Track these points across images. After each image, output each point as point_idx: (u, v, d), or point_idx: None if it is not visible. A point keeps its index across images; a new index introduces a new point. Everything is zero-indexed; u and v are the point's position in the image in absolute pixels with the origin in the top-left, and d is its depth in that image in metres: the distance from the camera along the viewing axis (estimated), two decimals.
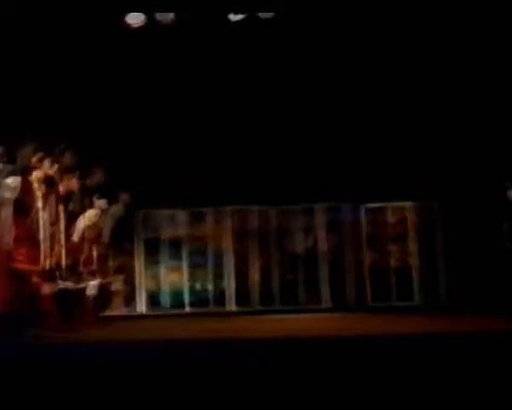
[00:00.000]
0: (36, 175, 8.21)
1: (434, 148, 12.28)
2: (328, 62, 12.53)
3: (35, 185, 8.19)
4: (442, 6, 11.81)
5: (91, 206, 9.82)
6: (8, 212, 7.43)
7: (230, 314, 12.22)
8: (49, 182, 8.39)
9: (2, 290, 7.04)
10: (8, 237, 7.45)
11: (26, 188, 7.95)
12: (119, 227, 10.17)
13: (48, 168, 8.35)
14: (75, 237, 9.49)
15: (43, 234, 8.41)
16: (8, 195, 7.54)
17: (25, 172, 8.08)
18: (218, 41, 12.38)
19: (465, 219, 12.03)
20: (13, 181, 7.51)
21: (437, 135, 12.28)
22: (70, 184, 9.10)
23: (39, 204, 8.21)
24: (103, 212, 10.00)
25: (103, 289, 10.12)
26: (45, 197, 8.29)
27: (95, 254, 9.90)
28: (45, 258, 8.43)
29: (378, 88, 12.45)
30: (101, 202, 9.88)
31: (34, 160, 8.27)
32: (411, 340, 6.78)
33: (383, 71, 12.46)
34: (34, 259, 8.26)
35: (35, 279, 8.52)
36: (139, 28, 12.34)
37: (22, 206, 7.77)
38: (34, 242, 8.23)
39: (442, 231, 12.61)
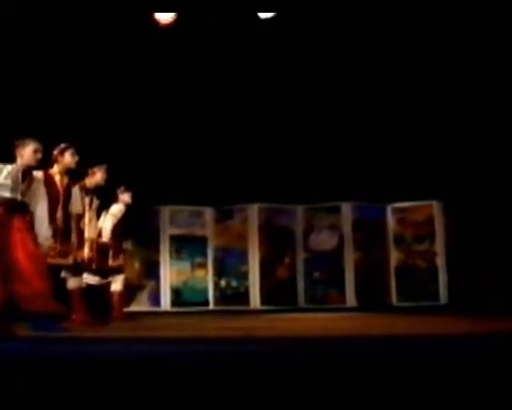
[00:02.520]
0: (57, 168, 8.20)
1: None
2: (339, 63, 12.47)
3: (57, 178, 8.17)
4: (440, 8, 11.71)
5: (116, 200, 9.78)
6: (43, 207, 7.42)
7: (255, 312, 12.20)
8: (71, 174, 8.38)
9: (43, 287, 7.04)
10: (47, 233, 7.45)
11: (49, 181, 7.94)
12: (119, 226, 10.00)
13: (69, 161, 8.30)
14: (106, 234, 9.52)
15: (72, 228, 8.43)
16: (41, 189, 7.55)
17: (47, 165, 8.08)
18: (219, 41, 12.30)
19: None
20: (36, 174, 7.50)
21: (448, 136, 12.23)
22: (96, 177, 9.06)
23: (61, 197, 8.19)
24: (127, 206, 9.89)
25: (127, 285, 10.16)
26: (66, 190, 8.26)
27: (120, 249, 9.89)
28: (73, 252, 8.45)
29: (397, 86, 12.39)
30: (125, 196, 9.80)
31: (56, 152, 8.25)
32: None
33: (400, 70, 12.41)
34: (64, 253, 8.29)
35: (64, 274, 8.58)
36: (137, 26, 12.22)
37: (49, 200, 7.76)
38: (63, 236, 8.25)
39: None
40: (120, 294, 9.65)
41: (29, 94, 11.29)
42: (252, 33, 12.18)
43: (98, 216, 9.39)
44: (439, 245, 12.75)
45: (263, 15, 12.11)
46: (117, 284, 9.58)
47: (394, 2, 11.50)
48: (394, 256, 12.89)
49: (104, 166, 9.13)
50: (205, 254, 13.26)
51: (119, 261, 9.70)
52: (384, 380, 4.35)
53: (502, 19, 11.22)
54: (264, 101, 12.67)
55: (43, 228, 7.33)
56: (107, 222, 9.57)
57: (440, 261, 12.67)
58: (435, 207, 12.87)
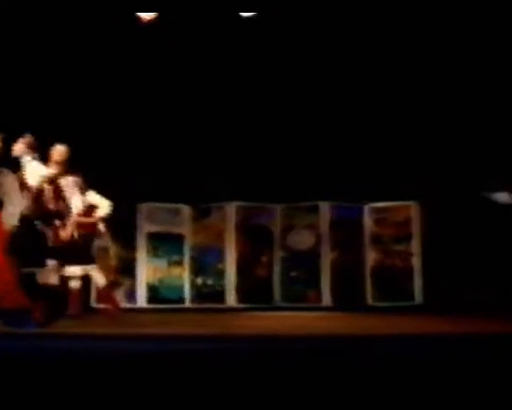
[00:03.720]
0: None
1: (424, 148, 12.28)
2: (327, 65, 12.49)
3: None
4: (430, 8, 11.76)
5: None
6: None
7: (231, 311, 12.20)
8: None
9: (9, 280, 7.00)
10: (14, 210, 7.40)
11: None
12: None
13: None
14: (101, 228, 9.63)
15: None
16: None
17: None
18: (197, 38, 12.28)
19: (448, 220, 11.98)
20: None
21: (426, 137, 12.28)
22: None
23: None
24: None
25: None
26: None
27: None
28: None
29: (379, 90, 12.42)
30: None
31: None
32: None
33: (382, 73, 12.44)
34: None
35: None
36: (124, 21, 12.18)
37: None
38: None
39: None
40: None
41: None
42: (233, 30, 12.18)
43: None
44: (416, 246, 12.79)
45: (245, 14, 12.10)
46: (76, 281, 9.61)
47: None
48: (371, 256, 12.91)
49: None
50: (182, 252, 13.22)
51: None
52: (358, 378, 4.37)
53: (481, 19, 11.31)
54: (242, 99, 12.66)
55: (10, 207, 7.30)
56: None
57: (417, 262, 12.72)
58: (413, 207, 12.90)
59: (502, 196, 10.40)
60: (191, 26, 12.02)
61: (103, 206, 9.68)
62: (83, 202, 9.44)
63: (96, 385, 4.00)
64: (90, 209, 9.57)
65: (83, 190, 9.48)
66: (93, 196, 9.65)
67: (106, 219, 9.82)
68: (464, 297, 11.32)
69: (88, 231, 9.52)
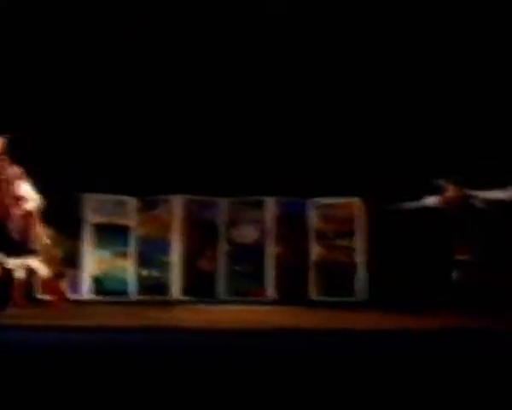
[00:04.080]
0: None
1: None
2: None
3: None
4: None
5: None
6: None
7: (175, 303, 12.22)
8: None
9: None
10: None
11: None
12: None
13: None
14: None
15: None
16: None
17: None
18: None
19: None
20: None
21: (370, 136, 12.43)
22: None
23: None
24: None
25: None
26: None
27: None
28: None
29: (325, 85, 12.53)
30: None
31: None
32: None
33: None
34: None
35: None
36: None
37: None
38: None
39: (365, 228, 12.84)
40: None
41: None
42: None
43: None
44: (360, 242, 12.95)
45: None
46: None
47: None
48: (315, 251, 13.04)
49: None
50: (127, 244, 13.18)
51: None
52: (299, 372, 4.45)
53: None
54: (187, 90, 12.67)
55: None
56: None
57: (360, 258, 12.88)
58: (357, 204, 13.05)
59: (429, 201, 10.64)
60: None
61: (32, 198, 9.58)
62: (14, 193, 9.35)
63: (37, 377, 4.03)
64: (19, 201, 9.45)
65: (21, 182, 9.39)
66: (24, 188, 9.53)
67: (39, 212, 9.73)
68: (407, 293, 11.48)
69: (20, 223, 9.41)
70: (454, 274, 10.07)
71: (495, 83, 11.84)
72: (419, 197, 10.66)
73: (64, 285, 10.20)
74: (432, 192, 10.44)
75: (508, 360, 5.10)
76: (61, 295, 9.85)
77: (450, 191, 10.27)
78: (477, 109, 11.93)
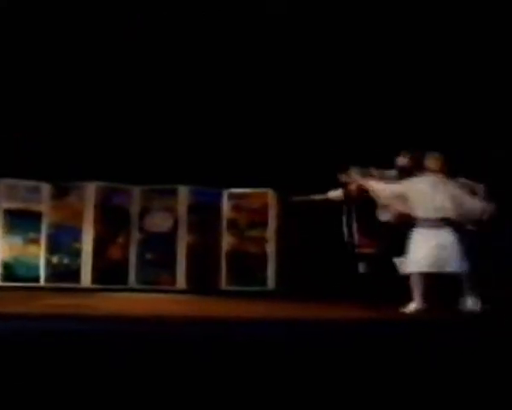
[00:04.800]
0: None
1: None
2: None
3: None
4: None
5: None
6: None
7: (85, 290, 12.20)
8: None
9: None
10: None
11: None
12: None
13: None
14: None
15: None
16: None
17: None
18: None
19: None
20: None
21: (284, 128, 12.59)
22: None
23: None
24: None
25: None
26: None
27: None
28: None
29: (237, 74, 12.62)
30: None
31: None
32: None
33: None
34: None
35: None
36: None
37: None
38: None
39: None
40: None
41: None
42: None
43: None
44: (271, 232, 13.10)
45: None
46: None
47: None
48: (226, 241, 13.14)
49: None
50: (39, 230, 13.07)
51: None
52: (204, 362, 4.53)
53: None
54: (105, 77, 12.65)
55: None
56: None
57: (271, 248, 13.04)
58: (270, 195, 13.18)
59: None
60: None
61: None
62: None
63: None
64: None
65: None
66: None
67: None
68: (316, 283, 11.67)
69: None
70: (361, 266, 10.29)
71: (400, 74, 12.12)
72: (325, 190, 10.84)
73: None
74: (337, 186, 10.64)
75: (400, 350, 5.26)
76: None
77: (353, 185, 10.47)
78: (383, 101, 12.21)
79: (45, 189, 13.18)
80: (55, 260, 12.97)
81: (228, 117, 12.78)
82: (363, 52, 12.28)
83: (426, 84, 12.12)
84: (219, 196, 13.27)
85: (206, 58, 12.64)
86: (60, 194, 13.17)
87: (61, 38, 12.36)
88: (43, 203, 13.14)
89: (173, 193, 13.15)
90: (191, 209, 13.12)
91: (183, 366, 4.41)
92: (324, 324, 7.23)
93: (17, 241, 12.93)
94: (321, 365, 4.47)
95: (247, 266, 12.92)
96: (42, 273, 12.88)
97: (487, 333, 6.43)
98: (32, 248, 12.98)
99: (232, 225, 13.18)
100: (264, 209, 13.17)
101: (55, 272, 12.92)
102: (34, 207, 13.10)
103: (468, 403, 3.85)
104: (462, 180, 9.44)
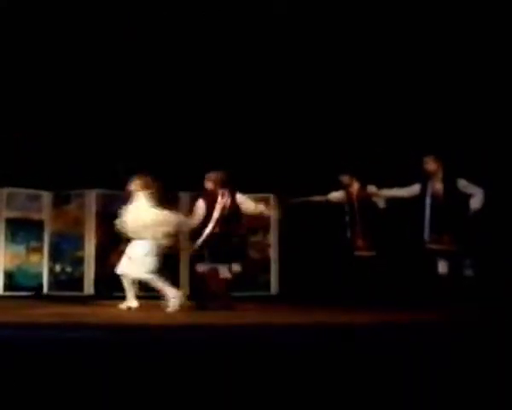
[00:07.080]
0: None
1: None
2: None
3: None
4: None
5: None
6: None
7: (88, 298, 12.19)
8: None
9: None
10: None
11: None
12: None
13: None
14: None
15: None
16: None
17: None
18: None
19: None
20: None
21: (284, 133, 12.61)
22: None
23: None
24: None
25: None
26: None
27: None
28: None
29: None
30: None
31: None
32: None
33: None
34: None
35: None
36: None
37: None
38: None
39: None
40: None
41: None
42: None
43: None
44: (273, 237, 13.08)
45: None
46: None
47: None
48: None
49: None
50: (41, 239, 13.10)
51: None
52: (207, 369, 4.52)
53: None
54: (104, 84, 12.67)
55: None
56: None
57: (273, 253, 13.01)
58: (272, 200, 13.14)
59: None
60: None
61: None
62: None
63: None
64: None
65: None
66: None
67: None
68: (318, 288, 11.67)
69: None
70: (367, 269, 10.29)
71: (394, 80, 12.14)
72: (326, 192, 10.85)
73: None
74: (337, 188, 10.65)
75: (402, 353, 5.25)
76: None
77: (354, 187, 10.48)
78: (383, 106, 12.22)
79: (46, 197, 13.23)
80: (57, 268, 12.99)
81: (231, 123, 12.77)
82: (363, 56, 12.29)
83: (426, 86, 12.12)
84: None
85: (207, 63, 12.64)
86: (61, 202, 13.20)
87: (61, 45, 12.38)
88: (45, 212, 13.18)
89: (175, 200, 13.11)
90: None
91: (187, 374, 4.40)
92: (328, 329, 7.21)
93: (19, 250, 12.95)
94: (324, 370, 4.47)
95: (249, 271, 12.87)
96: (45, 282, 12.89)
97: (487, 333, 6.42)
98: (34, 257, 13.00)
99: None
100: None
101: (58, 281, 12.93)
102: (35, 215, 13.13)
103: (468, 403, 3.85)
104: (463, 182, 9.45)
